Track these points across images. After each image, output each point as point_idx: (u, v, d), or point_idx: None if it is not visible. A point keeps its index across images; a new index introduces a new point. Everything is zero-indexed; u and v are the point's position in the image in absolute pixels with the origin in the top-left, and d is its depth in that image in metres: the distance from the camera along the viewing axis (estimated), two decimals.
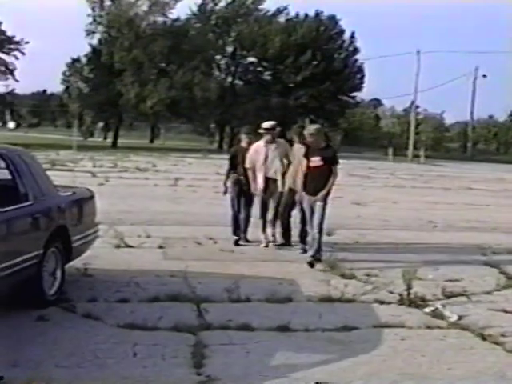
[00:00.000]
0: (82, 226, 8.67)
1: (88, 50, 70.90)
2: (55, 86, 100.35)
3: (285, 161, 11.81)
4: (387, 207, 19.57)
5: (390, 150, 62.25)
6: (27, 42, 68.41)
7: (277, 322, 7.22)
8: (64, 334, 6.70)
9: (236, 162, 12.36)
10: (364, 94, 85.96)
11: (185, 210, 16.65)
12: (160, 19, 70.17)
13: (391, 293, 8.74)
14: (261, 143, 12.05)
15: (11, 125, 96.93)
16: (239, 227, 12.23)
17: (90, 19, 69.76)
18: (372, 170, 39.97)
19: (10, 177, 7.54)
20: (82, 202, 9.02)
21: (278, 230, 12.10)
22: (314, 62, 70.67)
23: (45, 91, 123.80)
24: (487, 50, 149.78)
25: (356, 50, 75.56)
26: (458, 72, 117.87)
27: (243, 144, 12.49)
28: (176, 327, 6.93)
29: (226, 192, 12.43)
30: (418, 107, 79.84)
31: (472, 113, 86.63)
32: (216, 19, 75.80)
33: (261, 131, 12.17)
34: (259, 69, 76.36)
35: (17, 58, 68.62)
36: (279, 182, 11.84)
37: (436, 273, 10.09)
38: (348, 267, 10.12)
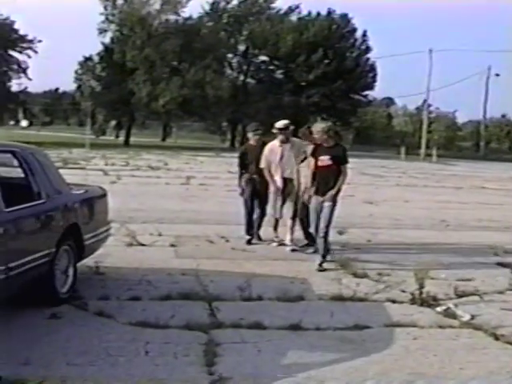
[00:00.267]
0: (94, 224, 8.69)
1: (100, 48, 71.25)
2: (67, 85, 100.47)
3: (301, 157, 11.60)
4: (399, 206, 19.53)
5: (402, 149, 62.11)
6: (40, 41, 68.67)
7: (288, 320, 7.22)
8: (76, 331, 6.71)
9: (246, 161, 12.26)
10: (376, 93, 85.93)
11: (196, 209, 16.66)
12: (172, 18, 70.36)
13: (403, 292, 8.72)
14: (276, 143, 11.89)
15: (24, 123, 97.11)
16: (252, 227, 12.19)
17: (103, 18, 70.12)
18: (384, 169, 39.89)
19: (23, 175, 7.57)
20: (95, 201, 9.03)
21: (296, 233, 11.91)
22: (326, 61, 70.61)
23: (57, 90, 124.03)
24: (500, 49, 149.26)
25: (368, 49, 75.44)
26: (471, 71, 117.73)
27: (251, 142, 12.42)
28: (188, 325, 6.93)
29: (242, 193, 12.26)
30: (430, 106, 79.72)
31: (485, 111, 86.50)
32: (228, 18, 75.83)
33: (274, 131, 11.97)
34: (271, 67, 76.32)
35: (29, 57, 68.85)
36: (295, 182, 11.73)
37: (448, 272, 10.05)
38: (360, 266, 10.10)
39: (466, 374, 5.98)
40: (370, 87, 76.78)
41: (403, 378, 5.82)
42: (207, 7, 75.49)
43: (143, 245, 11.34)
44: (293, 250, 11.41)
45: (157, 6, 69.21)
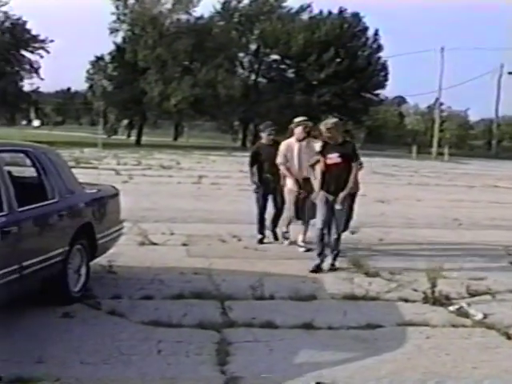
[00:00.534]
0: (106, 223, 8.71)
1: (112, 48, 71.31)
2: (79, 84, 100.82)
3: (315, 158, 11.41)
4: (411, 205, 19.50)
5: (414, 148, 61.94)
6: (52, 41, 68.64)
7: (301, 319, 7.22)
8: (89, 330, 6.74)
9: (259, 160, 12.17)
10: (388, 92, 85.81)
11: (208, 208, 16.67)
12: (184, 17, 70.37)
13: (415, 291, 8.71)
14: (292, 140, 11.72)
15: (36, 123, 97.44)
16: (264, 226, 12.16)
17: (114, 17, 70.17)
18: (396, 168, 39.82)
19: (35, 174, 7.60)
20: (107, 200, 9.06)
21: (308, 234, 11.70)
22: (338, 60, 70.51)
23: (69, 89, 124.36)
24: None
25: (380, 48, 75.25)
26: (483, 69, 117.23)
27: (264, 141, 12.34)
28: (200, 324, 6.95)
29: (257, 188, 12.12)
30: (442, 104, 79.44)
31: (497, 110, 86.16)
32: (239, 17, 75.76)
33: (292, 125, 11.79)
34: (282, 66, 76.22)
35: (41, 57, 68.95)
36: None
37: (460, 271, 10.04)
38: (372, 265, 10.10)
39: (479, 373, 5.97)
40: (382, 86, 76.61)
41: (416, 377, 5.82)
42: (218, 6, 75.51)
43: (155, 244, 11.36)
44: (306, 251, 11.24)
45: (168, 6, 69.31)
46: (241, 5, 76.13)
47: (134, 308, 7.53)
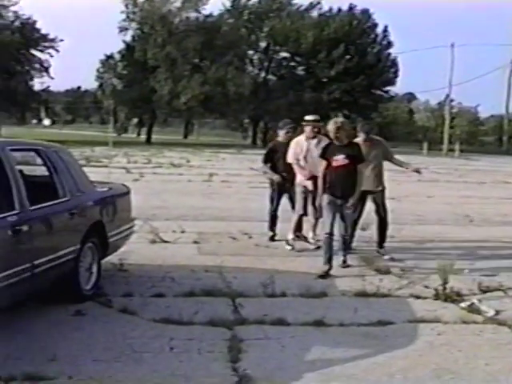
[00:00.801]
0: (118, 221, 8.73)
1: (122, 46, 71.48)
2: (89, 83, 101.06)
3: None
4: (422, 201, 19.46)
5: (425, 145, 61.86)
6: (61, 40, 68.83)
7: (312, 316, 7.22)
8: (100, 328, 6.76)
9: (274, 158, 11.99)
10: (398, 88, 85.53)
11: (219, 206, 16.69)
12: (193, 15, 70.49)
13: (427, 287, 8.69)
14: (302, 138, 11.57)
15: (46, 122, 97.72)
16: (275, 223, 12.11)
17: (123, 16, 70.33)
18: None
19: (47, 173, 7.62)
20: (118, 198, 9.07)
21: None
22: (347, 57, 70.39)
23: (79, 88, 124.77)
24: None
25: (389, 44, 75.10)
26: (494, 65, 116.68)
27: (280, 139, 12.16)
28: (212, 322, 6.95)
29: (272, 184, 11.91)
30: (452, 101, 79.20)
31: (507, 106, 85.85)
32: (249, 14, 75.82)
33: (303, 123, 11.65)
34: (292, 64, 76.19)
35: (51, 56, 69.11)
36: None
37: (472, 267, 10.01)
38: (383, 262, 10.09)
39: (491, 369, 5.96)
40: (392, 83, 76.44)
41: (428, 373, 5.81)
42: (228, 4, 75.64)
43: (166, 242, 11.38)
44: (317, 248, 11.13)
45: (177, 4, 69.46)
46: (250, 2, 76.23)
47: (146, 306, 7.55)
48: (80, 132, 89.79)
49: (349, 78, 68.77)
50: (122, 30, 70.93)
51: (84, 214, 7.79)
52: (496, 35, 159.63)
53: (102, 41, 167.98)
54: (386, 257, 10.63)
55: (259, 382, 5.47)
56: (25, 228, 6.34)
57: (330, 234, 9.60)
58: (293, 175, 11.56)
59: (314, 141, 11.41)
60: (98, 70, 72.62)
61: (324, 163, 9.81)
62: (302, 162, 11.39)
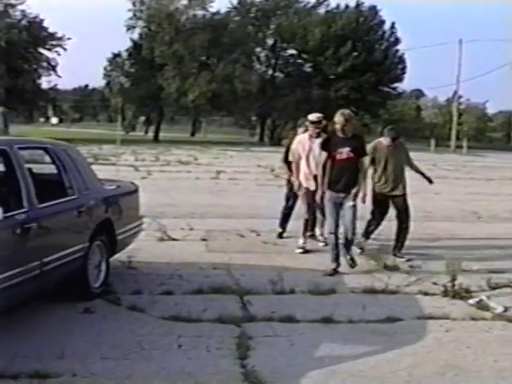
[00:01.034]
0: (126, 219, 8.74)
1: (129, 44, 71.47)
2: (97, 81, 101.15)
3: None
4: (430, 198, 19.39)
5: (432, 141, 61.72)
6: (69, 38, 68.77)
7: (321, 313, 7.23)
8: (109, 325, 6.78)
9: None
10: (405, 85, 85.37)
11: (227, 203, 16.70)
12: (200, 13, 70.35)
13: (435, 284, 8.69)
14: (306, 136, 11.34)
15: (54, 120, 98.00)
16: (287, 221, 12.00)
17: (131, 14, 70.31)
18: (414, 162, 39.53)
19: (55, 171, 7.64)
20: (127, 196, 9.09)
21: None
22: (355, 54, 70.21)
23: (86, 86, 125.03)
24: None
25: (397, 41, 74.86)
26: (502, 61, 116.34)
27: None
28: (220, 319, 6.97)
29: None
30: (460, 97, 79.00)
31: None
32: (256, 12, 75.67)
33: (306, 123, 11.46)
34: (299, 61, 76.00)
35: (59, 54, 69.11)
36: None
37: (480, 264, 10.00)
38: (391, 259, 10.08)
39: (500, 366, 5.96)
40: (399, 79, 76.20)
41: (436, 370, 5.81)
42: (235, 2, 75.47)
43: (174, 239, 11.40)
44: (325, 245, 11.01)
45: (184, 2, 69.28)
46: (257, 0, 76.05)
47: (154, 303, 7.57)
48: (88, 130, 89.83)
49: (356, 74, 68.61)
50: (130, 28, 70.91)
51: (92, 212, 7.80)
52: (504, 31, 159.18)
53: (109, 39, 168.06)
54: (403, 259, 10.39)
55: (268, 379, 5.47)
56: (34, 226, 6.35)
57: (335, 232, 9.51)
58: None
59: (318, 140, 10.96)
60: (105, 68, 72.70)
61: (324, 155, 9.60)
62: (303, 161, 11.20)
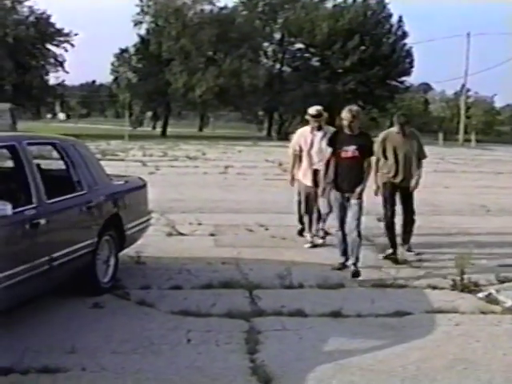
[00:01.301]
0: (134, 214, 8.76)
1: (136, 40, 71.49)
2: (104, 77, 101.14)
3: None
4: (438, 192, 19.36)
5: (440, 135, 61.54)
6: (76, 34, 68.80)
7: (329, 307, 7.24)
8: (118, 320, 6.80)
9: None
10: (413, 79, 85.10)
11: (235, 198, 16.70)
12: (207, 8, 70.31)
13: (444, 278, 8.67)
14: (307, 129, 11.16)
15: (61, 116, 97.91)
16: (302, 216, 11.81)
17: (138, 9, 70.32)
18: (425, 155, 39.41)
19: (64, 167, 7.65)
20: (135, 191, 9.10)
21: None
22: (362, 47, 70.04)
23: (94, 82, 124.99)
24: None
25: (405, 34, 74.64)
26: (510, 54, 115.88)
27: None
28: (229, 313, 6.98)
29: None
30: (468, 90, 78.75)
31: None
32: (263, 6, 75.56)
33: (306, 117, 11.22)
34: (307, 55, 75.86)
35: (66, 50, 69.17)
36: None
37: (489, 258, 9.99)
38: (400, 253, 10.07)
39: (510, 359, 5.95)
40: (407, 73, 76.00)
41: (445, 363, 5.81)
42: None
43: (183, 234, 11.42)
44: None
45: None
46: None
47: (163, 298, 7.58)
48: (95, 126, 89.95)
49: (364, 68, 68.46)
50: (137, 23, 70.91)
51: (101, 207, 7.82)
52: None
53: (116, 34, 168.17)
54: (411, 253, 10.30)
55: (276, 373, 5.48)
56: (42, 221, 6.37)
57: (341, 229, 9.28)
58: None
59: (320, 133, 10.87)
60: (112, 64, 72.73)
61: (329, 151, 9.30)
62: (304, 153, 11.01)
